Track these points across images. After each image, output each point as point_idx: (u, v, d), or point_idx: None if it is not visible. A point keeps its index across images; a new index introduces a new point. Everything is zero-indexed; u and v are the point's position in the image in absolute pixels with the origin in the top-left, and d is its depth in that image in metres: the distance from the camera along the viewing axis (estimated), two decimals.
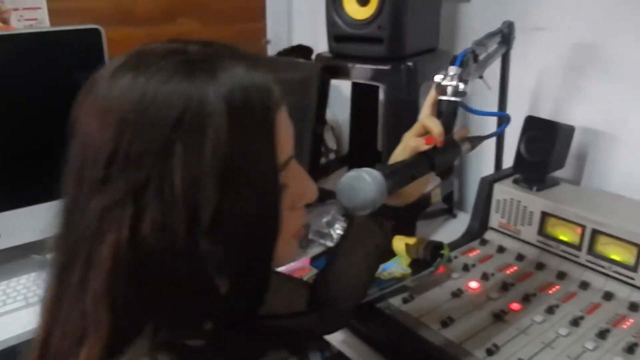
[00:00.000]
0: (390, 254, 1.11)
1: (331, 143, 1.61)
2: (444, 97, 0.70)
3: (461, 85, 0.69)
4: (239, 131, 0.44)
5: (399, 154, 0.71)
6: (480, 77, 0.85)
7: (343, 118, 1.63)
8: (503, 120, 0.78)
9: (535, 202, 1.09)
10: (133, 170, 0.42)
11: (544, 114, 1.22)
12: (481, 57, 0.81)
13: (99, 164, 0.43)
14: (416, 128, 0.71)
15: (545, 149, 1.08)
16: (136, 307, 0.44)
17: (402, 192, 0.71)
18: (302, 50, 1.61)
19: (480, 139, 0.77)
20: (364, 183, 0.59)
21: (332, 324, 0.82)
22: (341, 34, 1.16)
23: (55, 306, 0.48)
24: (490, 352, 0.82)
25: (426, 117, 0.70)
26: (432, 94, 0.72)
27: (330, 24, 1.16)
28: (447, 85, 0.69)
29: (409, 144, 0.69)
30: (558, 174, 1.15)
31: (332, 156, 1.60)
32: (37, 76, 1.06)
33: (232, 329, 0.55)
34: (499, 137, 1.22)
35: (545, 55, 1.25)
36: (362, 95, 1.46)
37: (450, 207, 1.44)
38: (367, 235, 0.74)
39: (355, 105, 1.49)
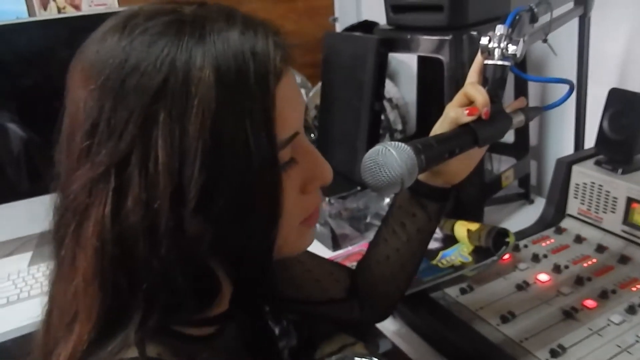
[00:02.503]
0: (451, 240, 1.04)
1: (397, 122, 1.53)
2: (490, 62, 0.61)
3: (511, 48, 0.59)
4: (229, 101, 0.39)
5: (438, 127, 0.63)
6: (544, 40, 0.74)
7: (411, 96, 1.54)
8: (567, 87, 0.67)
9: (620, 186, 0.96)
10: (115, 141, 0.39)
11: (632, 86, 1.06)
12: (544, 17, 0.71)
13: (84, 133, 0.41)
14: (458, 97, 0.63)
15: (632, 126, 0.94)
16: (125, 288, 0.41)
17: (444, 171, 0.64)
18: (368, 26, 1.54)
19: (537, 110, 0.67)
20: (389, 158, 0.52)
21: (372, 313, 0.77)
22: (399, 3, 1.08)
23: (53, 284, 0.47)
24: (554, 354, 0.73)
25: (469, 85, 0.61)
26: (478, 59, 0.63)
27: None
28: (493, 48, 0.60)
29: (449, 115, 0.61)
30: None
31: (397, 136, 1.53)
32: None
33: (236, 317, 0.52)
34: (579, 112, 1.09)
35: (633, 17, 1.09)
36: (428, 71, 1.37)
37: (526, 191, 1.32)
38: (408, 218, 0.67)
39: (422, 82, 1.40)
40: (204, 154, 0.39)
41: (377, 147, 0.53)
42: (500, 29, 0.61)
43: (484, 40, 0.61)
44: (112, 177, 0.39)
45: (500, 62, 0.61)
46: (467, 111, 0.60)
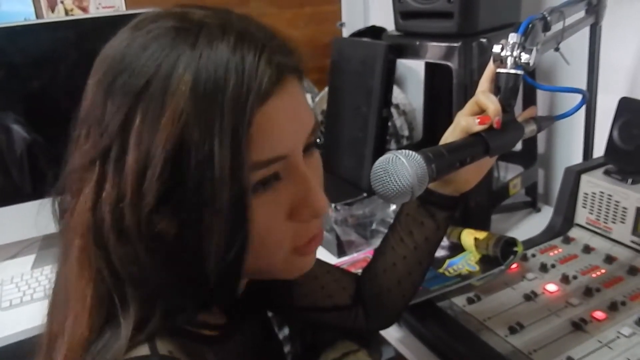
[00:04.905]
0: (458, 249, 1.03)
1: (404, 129, 1.52)
2: (502, 70, 0.60)
3: (524, 56, 0.58)
4: (199, 114, 0.38)
5: (449, 135, 0.62)
6: (556, 49, 0.73)
7: (418, 103, 1.53)
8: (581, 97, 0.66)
9: (629, 196, 0.95)
10: (101, 134, 0.41)
11: None
12: (556, 25, 0.70)
13: (80, 120, 0.43)
14: (469, 106, 0.62)
15: None
16: (110, 281, 0.42)
17: (454, 179, 0.63)
18: (376, 31, 1.53)
19: (549, 120, 0.66)
20: (399, 167, 0.51)
21: (376, 321, 0.76)
22: (408, 9, 1.07)
23: (55, 277, 0.47)
24: None
25: (481, 93, 0.60)
26: (489, 67, 0.62)
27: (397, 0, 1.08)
28: (506, 56, 0.60)
29: (460, 124, 0.61)
30: None
31: (404, 143, 1.52)
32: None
33: (241, 318, 0.51)
34: (588, 121, 1.08)
35: None
36: (436, 77, 1.36)
37: (533, 199, 1.32)
38: (416, 227, 0.66)
39: (429, 88, 1.40)
40: (165, 162, 0.39)
41: (388, 155, 0.52)
42: (513, 37, 0.60)
43: (496, 49, 0.60)
44: (96, 167, 0.41)
45: (513, 71, 0.60)
46: (479, 120, 0.59)
